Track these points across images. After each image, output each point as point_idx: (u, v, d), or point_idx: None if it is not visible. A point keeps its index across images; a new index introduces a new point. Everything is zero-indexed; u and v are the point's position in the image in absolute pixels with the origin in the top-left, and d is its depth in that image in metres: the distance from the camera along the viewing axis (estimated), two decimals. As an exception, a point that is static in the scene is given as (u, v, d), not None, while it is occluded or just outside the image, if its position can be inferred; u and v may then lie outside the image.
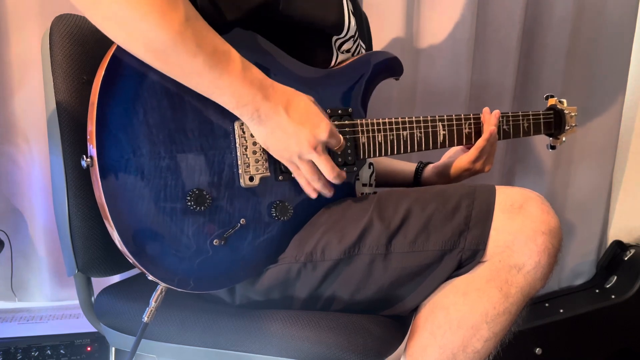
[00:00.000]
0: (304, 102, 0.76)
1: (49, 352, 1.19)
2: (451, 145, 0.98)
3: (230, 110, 0.73)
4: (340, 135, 0.80)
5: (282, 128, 0.74)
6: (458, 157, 1.03)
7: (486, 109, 1.02)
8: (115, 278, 1.06)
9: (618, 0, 1.56)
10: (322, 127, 0.76)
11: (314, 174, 0.79)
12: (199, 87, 0.71)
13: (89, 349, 1.21)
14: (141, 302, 0.82)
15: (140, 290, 0.87)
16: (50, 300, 1.34)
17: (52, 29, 0.79)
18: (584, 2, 1.54)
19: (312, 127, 0.75)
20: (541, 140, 1.12)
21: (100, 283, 0.92)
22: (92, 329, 0.92)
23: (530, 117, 1.10)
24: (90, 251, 0.82)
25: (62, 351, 1.19)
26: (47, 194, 1.26)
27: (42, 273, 1.32)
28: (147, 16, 0.63)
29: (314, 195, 0.82)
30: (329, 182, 0.81)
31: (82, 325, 1.19)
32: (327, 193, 0.82)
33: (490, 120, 1.00)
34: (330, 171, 0.78)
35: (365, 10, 1.16)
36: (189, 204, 0.72)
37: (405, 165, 1.17)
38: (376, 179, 1.02)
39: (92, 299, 0.88)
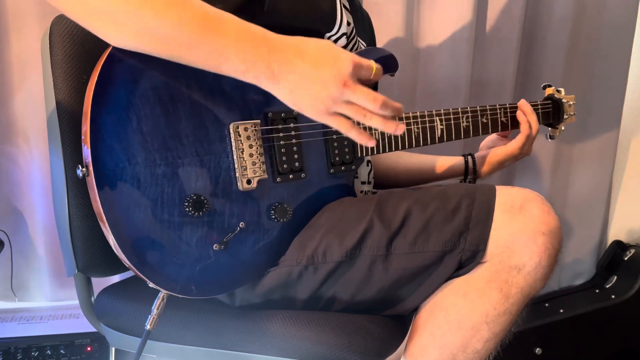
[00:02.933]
0: (315, 43, 0.70)
1: (49, 352, 1.19)
2: (449, 139, 0.98)
3: (244, 77, 0.68)
4: (369, 61, 0.71)
5: (302, 76, 0.67)
6: (503, 145, 1.06)
7: (523, 100, 1.06)
8: (115, 278, 1.06)
9: (618, 0, 1.56)
10: (342, 58, 0.68)
11: (360, 112, 0.69)
12: (201, 59, 0.67)
13: (89, 349, 1.21)
14: (141, 302, 0.82)
15: (140, 290, 0.86)
16: (50, 300, 1.35)
17: (52, 29, 0.79)
18: (584, 1, 1.54)
19: (332, 64, 0.68)
20: (541, 140, 1.12)
21: (100, 283, 0.92)
22: (92, 329, 0.92)
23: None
24: (90, 251, 0.82)
25: (62, 351, 1.19)
26: (47, 194, 1.26)
27: (42, 273, 1.32)
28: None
29: (372, 143, 0.73)
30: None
31: (82, 325, 1.20)
32: (392, 128, 0.70)
33: (529, 110, 1.05)
34: (373, 102, 0.68)
35: (365, 10, 1.15)
36: (187, 210, 0.72)
37: (446, 160, 1.11)
38: (401, 177, 1.01)
39: (92, 299, 0.88)
